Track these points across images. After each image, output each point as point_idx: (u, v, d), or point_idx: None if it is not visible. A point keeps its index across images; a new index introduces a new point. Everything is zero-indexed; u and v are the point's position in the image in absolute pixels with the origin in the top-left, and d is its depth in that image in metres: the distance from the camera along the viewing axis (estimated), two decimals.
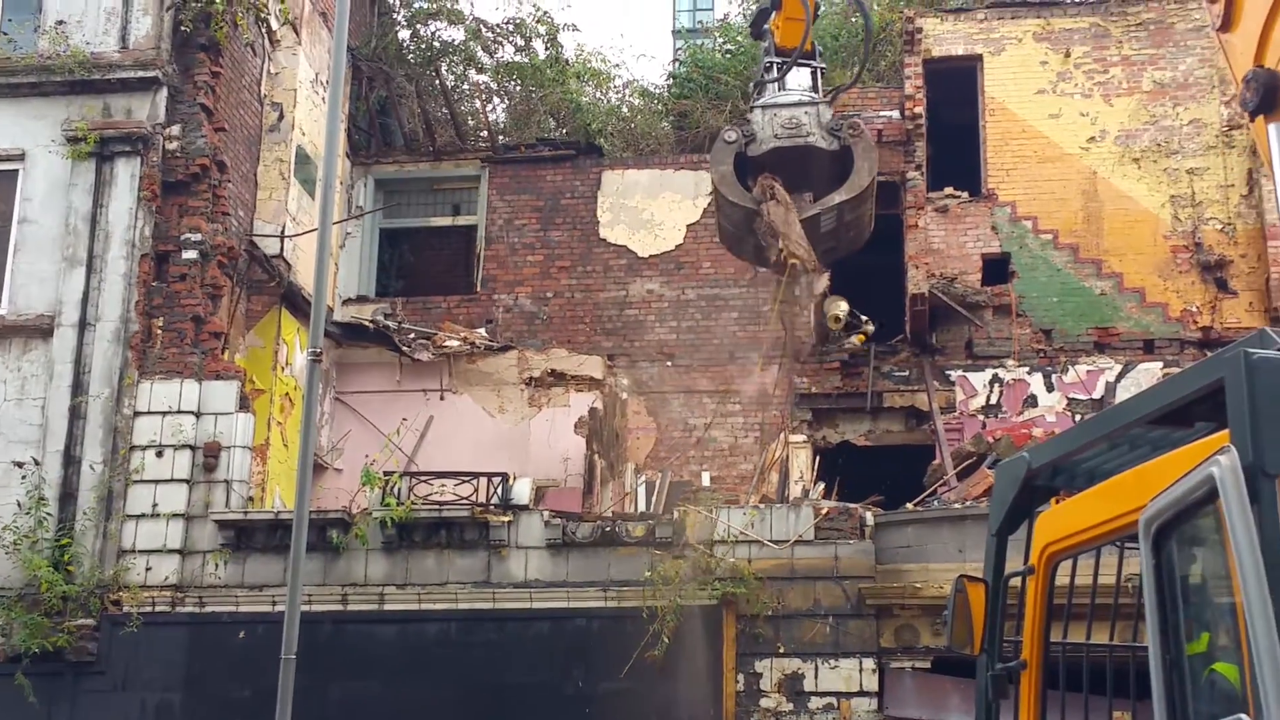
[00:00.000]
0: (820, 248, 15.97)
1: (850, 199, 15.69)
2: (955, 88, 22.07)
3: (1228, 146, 21.12)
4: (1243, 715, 4.96)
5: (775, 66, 15.53)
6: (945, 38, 22.15)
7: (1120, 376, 20.61)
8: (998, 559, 7.25)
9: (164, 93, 18.68)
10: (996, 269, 21.44)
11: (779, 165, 15.35)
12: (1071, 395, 20.67)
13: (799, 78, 15.84)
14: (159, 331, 18.09)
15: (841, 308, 21.08)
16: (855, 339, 21.13)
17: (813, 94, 15.65)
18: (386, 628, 16.85)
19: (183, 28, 18.87)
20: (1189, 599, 5.54)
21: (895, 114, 22.18)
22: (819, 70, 15.77)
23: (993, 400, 20.87)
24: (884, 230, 22.08)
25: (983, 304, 21.24)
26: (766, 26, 15.98)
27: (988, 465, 19.74)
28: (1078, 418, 20.35)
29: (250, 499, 17.95)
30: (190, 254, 18.36)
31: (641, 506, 19.74)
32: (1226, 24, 8.05)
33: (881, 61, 23.75)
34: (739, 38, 25.38)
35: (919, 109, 21.78)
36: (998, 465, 7.74)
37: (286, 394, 20.15)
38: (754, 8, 16.35)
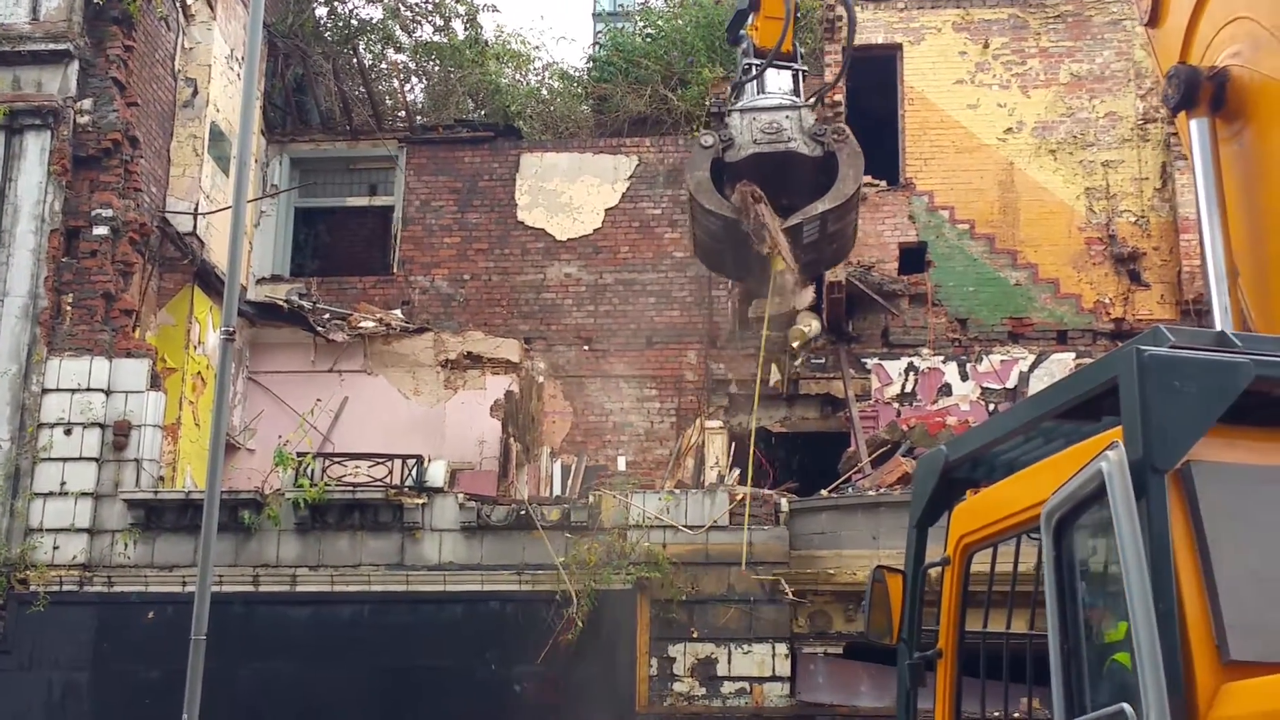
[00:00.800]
0: (802, 260, 15.26)
1: (834, 208, 14.79)
2: (875, 76, 22.16)
3: (1143, 140, 21.40)
4: (1125, 705, 5.07)
5: (754, 69, 14.70)
6: (865, 26, 22.22)
7: (1034, 367, 20.83)
8: (918, 550, 7.32)
9: (75, 66, 18.34)
10: (913, 258, 21.58)
11: (758, 172, 14.55)
12: (985, 385, 20.86)
13: (779, 81, 14.95)
14: (69, 308, 17.78)
15: (813, 327, 20.37)
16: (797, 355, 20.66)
17: (794, 98, 14.78)
18: (298, 609, 16.71)
19: (95, 1, 18.53)
20: (1088, 590, 5.63)
21: (814, 102, 22.22)
22: (800, 73, 14.93)
23: (908, 389, 21.01)
24: None
25: (899, 293, 21.37)
26: (743, 31, 15.15)
27: (902, 453, 19.94)
28: (991, 407, 20.57)
29: (161, 478, 17.70)
30: (101, 230, 18.05)
31: (557, 490, 19.72)
32: (1154, 19, 8.15)
33: (801, 49, 23.78)
34: (660, 22, 25.37)
35: (838, 97, 21.79)
36: (918, 458, 7.89)
37: (199, 373, 19.89)
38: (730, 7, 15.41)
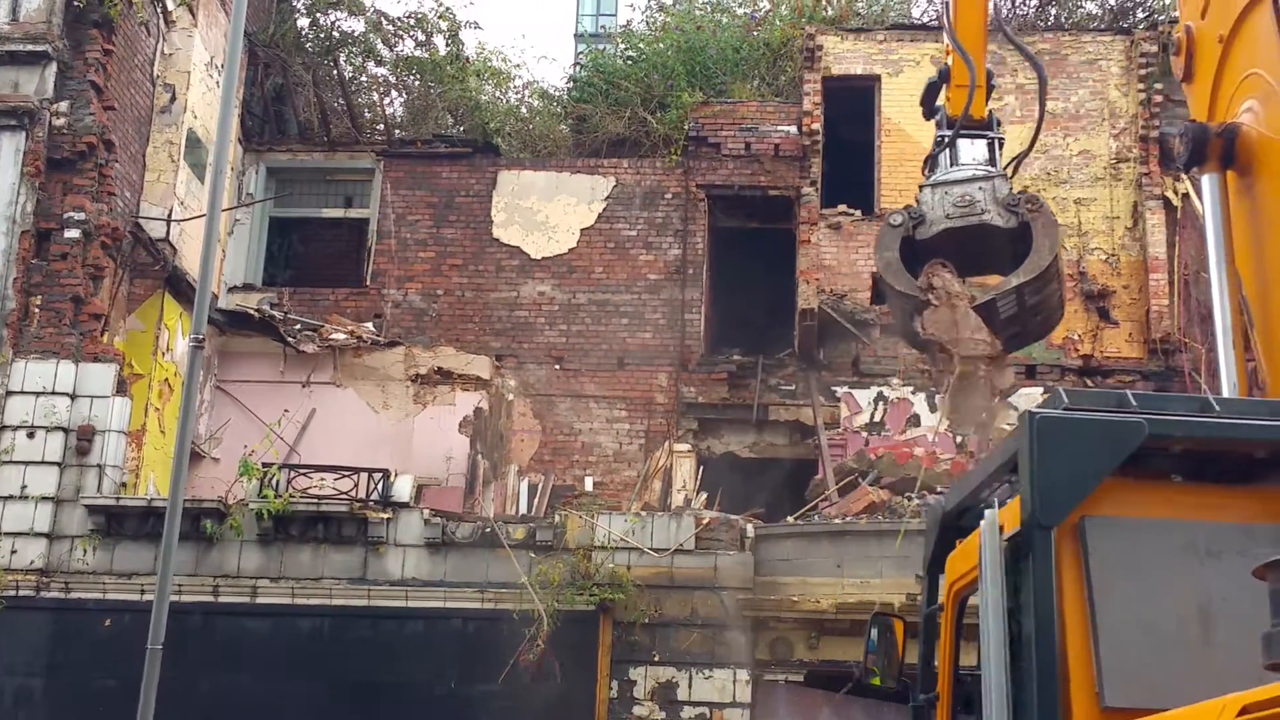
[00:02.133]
0: (1004, 334, 14.59)
1: (1029, 281, 14.10)
2: (853, 106, 22.25)
3: (1115, 179, 21.51)
4: None
5: (944, 140, 13.83)
6: (845, 56, 22.34)
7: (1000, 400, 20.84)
8: (929, 596, 7.59)
9: (53, 68, 18.27)
10: None
11: (952, 248, 13.70)
12: None
13: (974, 151, 14.21)
14: (36, 310, 17.67)
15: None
16: None
17: (988, 168, 14.06)
18: (258, 621, 16.60)
19: (75, 3, 18.47)
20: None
21: (793, 129, 22.31)
22: (997, 141, 14.24)
23: (877, 418, 21.04)
24: (776, 244, 22.28)
25: (871, 322, 21.41)
26: (939, 104, 14.47)
27: (869, 482, 19.91)
28: (958, 440, 20.60)
29: (123, 485, 17.58)
30: (73, 233, 17.96)
31: (523, 509, 19.65)
32: (1188, 75, 8.25)
33: (781, 77, 23.88)
34: (641, 45, 25.41)
35: (816, 125, 21.93)
36: (925, 508, 8.18)
37: (166, 380, 19.78)
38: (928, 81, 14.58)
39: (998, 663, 5.57)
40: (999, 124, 13.58)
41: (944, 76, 13.76)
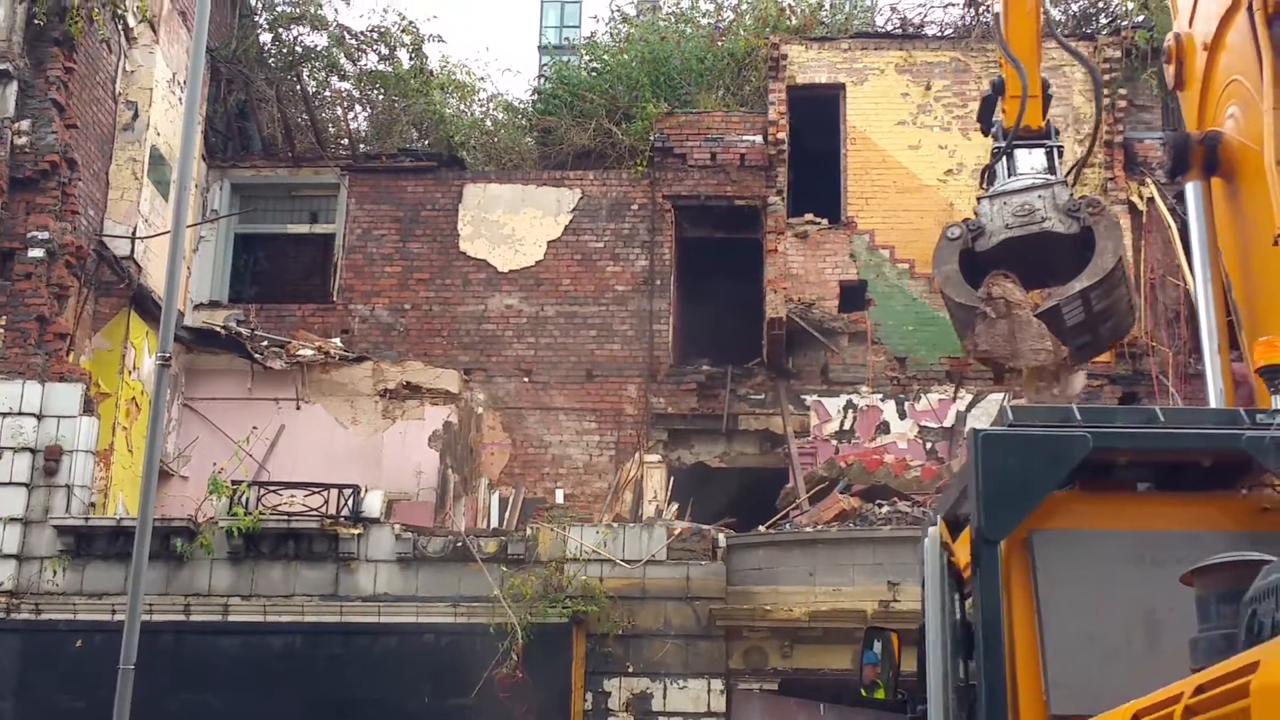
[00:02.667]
0: (1073, 342, 14.30)
1: (1093, 285, 13.80)
2: (818, 115, 22.33)
3: (1080, 184, 21.59)
4: None
5: (1001, 152, 13.63)
6: (810, 65, 22.42)
7: (971, 406, 20.96)
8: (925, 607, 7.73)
9: (14, 86, 18.15)
10: (854, 296, 21.69)
11: (1014, 259, 13.49)
12: (923, 423, 20.98)
13: (1032, 160, 13.93)
14: (1, 330, 17.55)
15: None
16: None
17: (1048, 175, 13.78)
18: (230, 639, 16.51)
19: (36, 21, 18.36)
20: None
21: (758, 139, 22.37)
22: (1056, 149, 13.94)
23: (846, 425, 21.09)
24: (743, 254, 22.32)
25: (839, 330, 21.48)
26: (995, 117, 14.21)
27: (840, 490, 19.92)
28: (928, 446, 20.67)
29: (92, 505, 17.45)
30: (36, 252, 17.84)
31: (494, 522, 19.61)
32: (1178, 83, 8.31)
33: (746, 86, 23.94)
34: (605, 56, 25.44)
35: (782, 135, 22.00)
36: (925, 515, 8.24)
37: (133, 398, 19.66)
38: (980, 95, 14.29)
39: (936, 672, 5.73)
40: (1057, 132, 13.36)
41: (998, 88, 13.55)
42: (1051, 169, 13.25)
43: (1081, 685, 5.55)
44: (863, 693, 7.79)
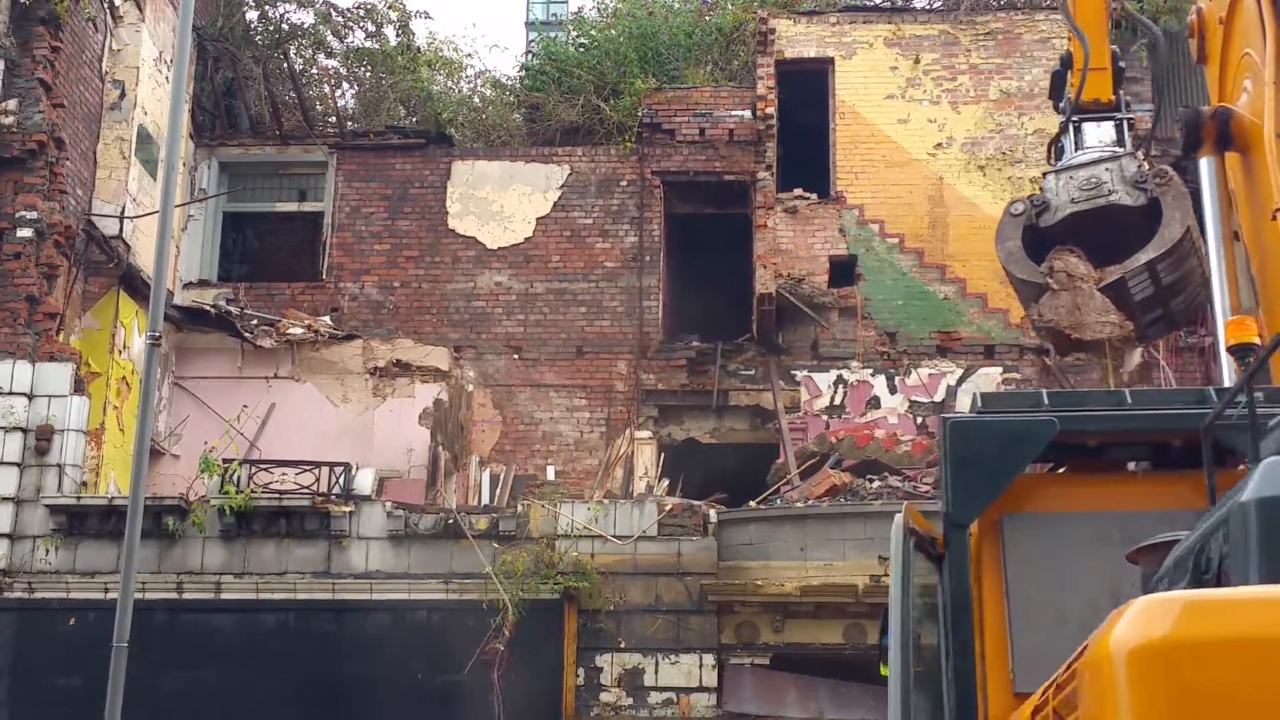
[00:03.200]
0: (1142, 319, 13.40)
1: (1161, 255, 12.87)
2: (807, 89, 22.29)
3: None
4: None
5: (1069, 126, 13.32)
6: (798, 39, 22.38)
7: (961, 381, 20.99)
8: None
9: (0, 66, 18.08)
10: (843, 271, 21.69)
11: (1080, 233, 13.23)
12: (914, 398, 21.00)
13: (1099, 134, 13.56)
14: None
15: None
16: None
17: (1115, 148, 13.39)
18: (223, 617, 16.55)
19: (22, 0, 18.29)
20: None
21: (747, 114, 22.34)
22: (1126, 122, 13.52)
23: (837, 401, 21.11)
24: (733, 230, 22.32)
25: (829, 305, 21.49)
26: (1067, 93, 13.84)
27: (830, 465, 19.98)
28: (919, 421, 20.71)
29: (84, 484, 17.48)
30: (25, 232, 17.82)
31: (485, 500, 19.64)
32: (1201, 58, 8.32)
33: (734, 61, 23.91)
34: (593, 32, 25.37)
35: (770, 109, 21.95)
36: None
37: (124, 378, 19.64)
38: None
39: (896, 651, 5.83)
40: (1127, 104, 13.06)
41: (1066, 63, 13.31)
42: (1120, 142, 12.95)
43: (1047, 663, 5.54)
44: (884, 670, 7.87)
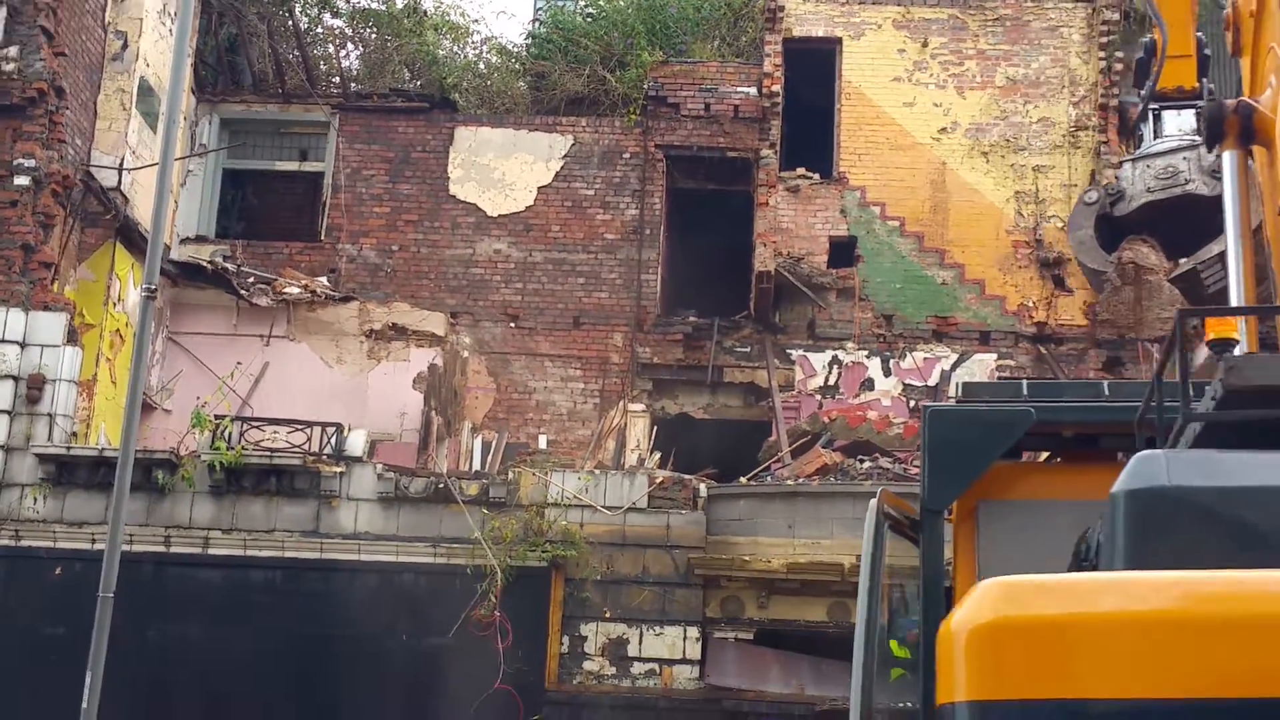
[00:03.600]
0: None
1: None
2: (813, 69, 22.23)
3: (1074, 146, 21.60)
4: None
5: (1148, 114, 12.94)
6: (807, 18, 22.30)
7: (956, 366, 20.99)
8: None
9: (2, 11, 17.99)
10: (843, 252, 21.67)
11: (1155, 223, 12.90)
12: (908, 381, 21.00)
13: (1179, 122, 13.25)
14: None
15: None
16: None
17: (1193, 137, 13.07)
18: (210, 572, 16.54)
19: None
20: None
21: (753, 90, 22.26)
22: None
23: (831, 381, 21.10)
24: (734, 207, 22.27)
25: (827, 286, 21.46)
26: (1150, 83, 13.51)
27: (822, 445, 19.95)
28: (912, 403, 20.71)
29: (74, 434, 17.45)
30: (23, 180, 17.74)
31: (477, 466, 19.62)
32: (1236, 50, 8.29)
33: (742, 37, 23.83)
34: (601, 2, 25.26)
35: (776, 87, 21.89)
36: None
37: (118, 330, 19.59)
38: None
39: (861, 631, 5.91)
40: (1210, 92, 12.44)
41: (1149, 50, 12.88)
42: (1199, 130, 12.17)
43: None
44: (893, 647, 7.99)
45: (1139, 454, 4.73)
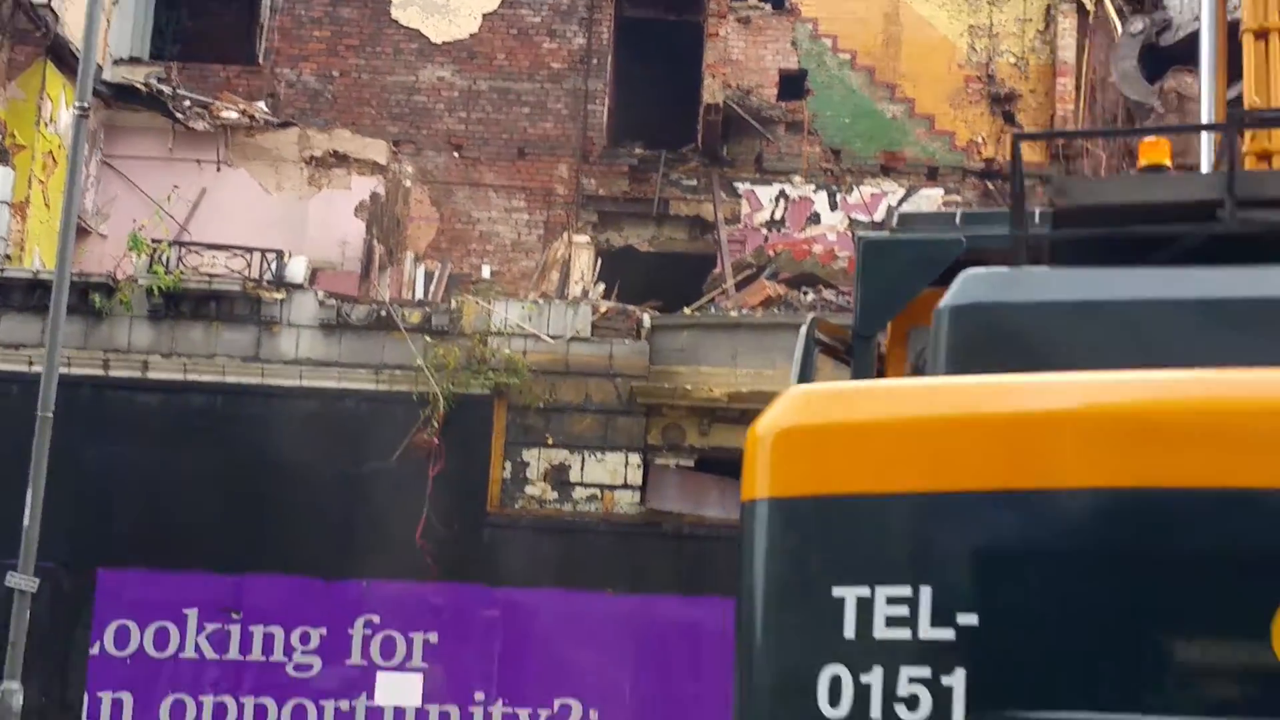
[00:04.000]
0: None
1: None
2: None
3: None
4: None
5: None
6: None
7: (902, 201, 20.94)
8: None
9: None
10: (793, 85, 21.48)
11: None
12: (854, 215, 20.95)
13: None
14: None
15: None
16: None
17: None
18: (149, 395, 16.39)
19: None
20: None
21: None
22: None
23: (777, 215, 21.04)
24: (684, 38, 21.94)
25: (776, 119, 21.30)
26: None
27: (766, 277, 19.91)
28: (857, 238, 20.67)
29: (7, 257, 17.14)
30: None
31: (419, 296, 19.49)
32: None
33: None
34: None
35: None
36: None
37: (50, 152, 19.15)
38: None
39: None
40: None
41: None
42: None
43: None
44: None
45: (964, 272, 4.96)
